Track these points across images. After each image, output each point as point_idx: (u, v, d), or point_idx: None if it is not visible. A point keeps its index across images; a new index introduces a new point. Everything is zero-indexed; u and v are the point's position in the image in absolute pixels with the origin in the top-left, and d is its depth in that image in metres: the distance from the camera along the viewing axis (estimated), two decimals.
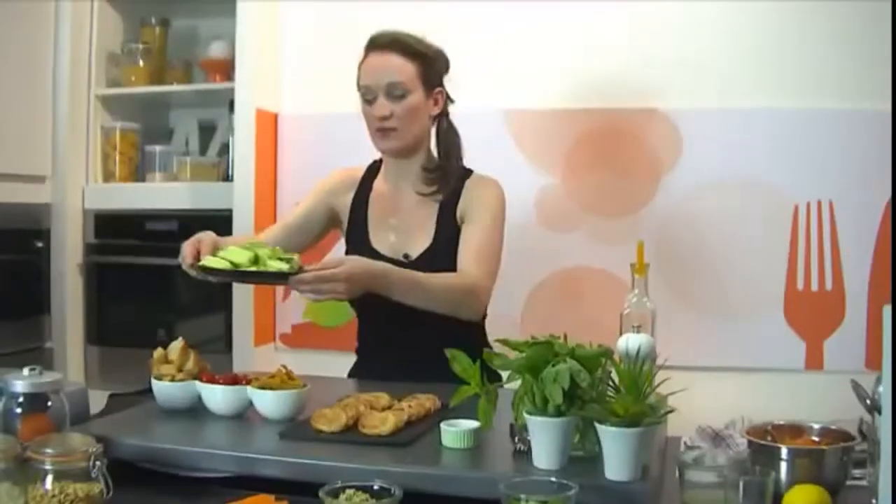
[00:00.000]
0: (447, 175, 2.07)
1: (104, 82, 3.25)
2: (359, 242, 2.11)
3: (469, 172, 2.11)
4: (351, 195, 2.16)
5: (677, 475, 1.31)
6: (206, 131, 3.37)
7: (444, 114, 2.12)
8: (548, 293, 2.85)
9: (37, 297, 3.15)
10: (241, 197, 2.94)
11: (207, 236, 1.88)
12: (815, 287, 2.70)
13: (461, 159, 2.13)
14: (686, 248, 2.72)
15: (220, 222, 2.94)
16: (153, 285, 3.14)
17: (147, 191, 3.23)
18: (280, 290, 3.03)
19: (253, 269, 1.69)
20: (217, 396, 1.65)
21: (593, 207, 2.82)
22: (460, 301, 1.92)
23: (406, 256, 2.04)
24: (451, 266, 1.98)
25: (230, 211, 2.95)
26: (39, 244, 3.15)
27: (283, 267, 1.69)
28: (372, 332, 2.14)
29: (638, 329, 1.52)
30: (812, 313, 2.70)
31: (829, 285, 2.69)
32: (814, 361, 2.69)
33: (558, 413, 1.31)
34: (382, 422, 1.49)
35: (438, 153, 2.11)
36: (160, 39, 3.30)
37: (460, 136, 2.13)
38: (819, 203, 2.68)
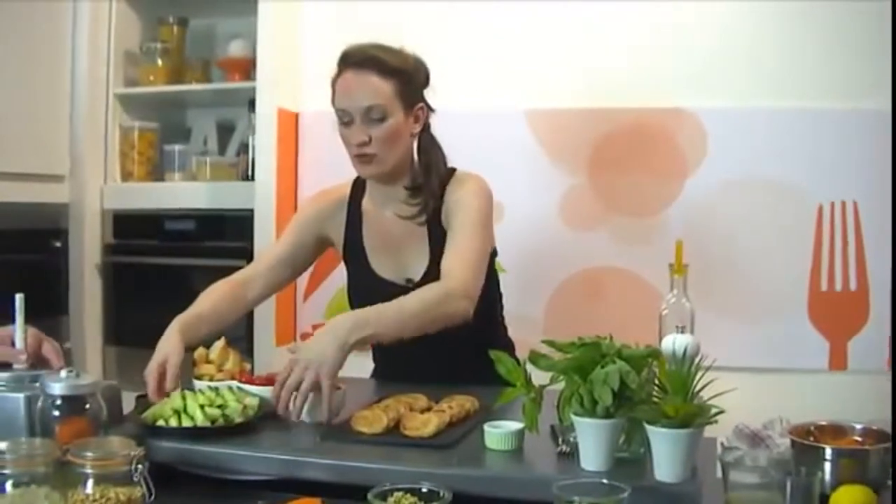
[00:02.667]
0: (427, 196, 1.94)
1: (122, 82, 3.25)
2: (361, 268, 2.02)
3: (451, 175, 1.99)
4: (342, 216, 2.05)
5: (720, 475, 1.30)
6: (225, 130, 3.36)
7: (424, 129, 1.97)
8: (571, 293, 2.84)
9: (55, 297, 3.13)
10: (262, 196, 2.93)
11: (173, 356, 1.73)
12: (839, 287, 2.69)
13: (443, 172, 1.98)
14: (710, 248, 2.70)
15: (240, 222, 2.96)
16: (172, 285, 3.10)
17: (166, 190, 3.22)
18: (301, 289, 3.02)
19: (206, 425, 1.51)
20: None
21: (617, 207, 2.80)
22: (444, 311, 1.75)
23: (409, 281, 1.95)
24: None
25: (250, 211, 2.94)
26: (57, 244, 3.13)
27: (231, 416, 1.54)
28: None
29: (682, 329, 1.50)
30: (836, 314, 2.69)
31: (853, 286, 2.68)
32: (838, 362, 2.68)
33: (607, 414, 1.30)
34: (425, 424, 1.48)
35: (420, 171, 1.97)
36: (178, 38, 3.29)
37: (442, 149, 2.00)
38: (843, 203, 2.67)
